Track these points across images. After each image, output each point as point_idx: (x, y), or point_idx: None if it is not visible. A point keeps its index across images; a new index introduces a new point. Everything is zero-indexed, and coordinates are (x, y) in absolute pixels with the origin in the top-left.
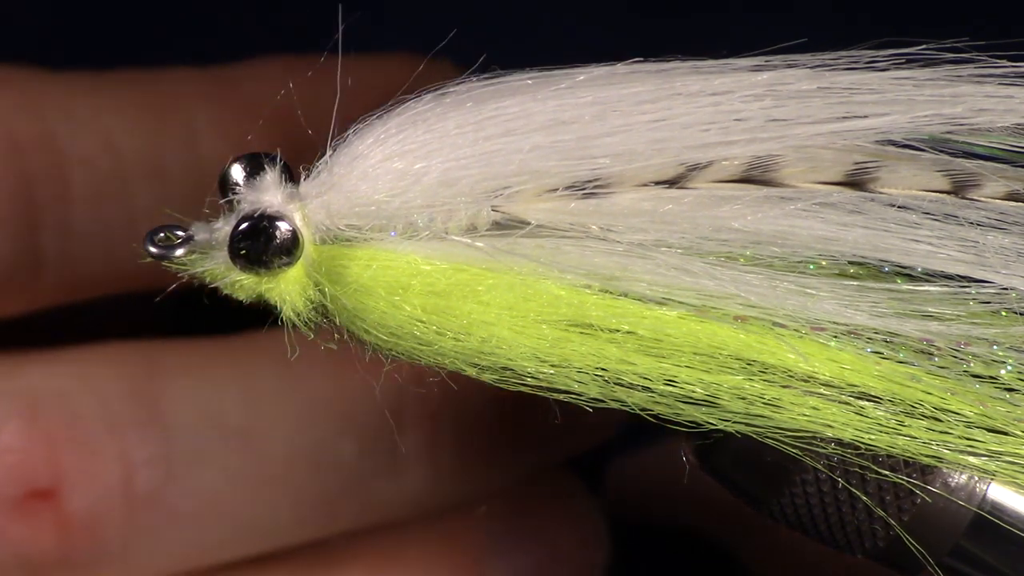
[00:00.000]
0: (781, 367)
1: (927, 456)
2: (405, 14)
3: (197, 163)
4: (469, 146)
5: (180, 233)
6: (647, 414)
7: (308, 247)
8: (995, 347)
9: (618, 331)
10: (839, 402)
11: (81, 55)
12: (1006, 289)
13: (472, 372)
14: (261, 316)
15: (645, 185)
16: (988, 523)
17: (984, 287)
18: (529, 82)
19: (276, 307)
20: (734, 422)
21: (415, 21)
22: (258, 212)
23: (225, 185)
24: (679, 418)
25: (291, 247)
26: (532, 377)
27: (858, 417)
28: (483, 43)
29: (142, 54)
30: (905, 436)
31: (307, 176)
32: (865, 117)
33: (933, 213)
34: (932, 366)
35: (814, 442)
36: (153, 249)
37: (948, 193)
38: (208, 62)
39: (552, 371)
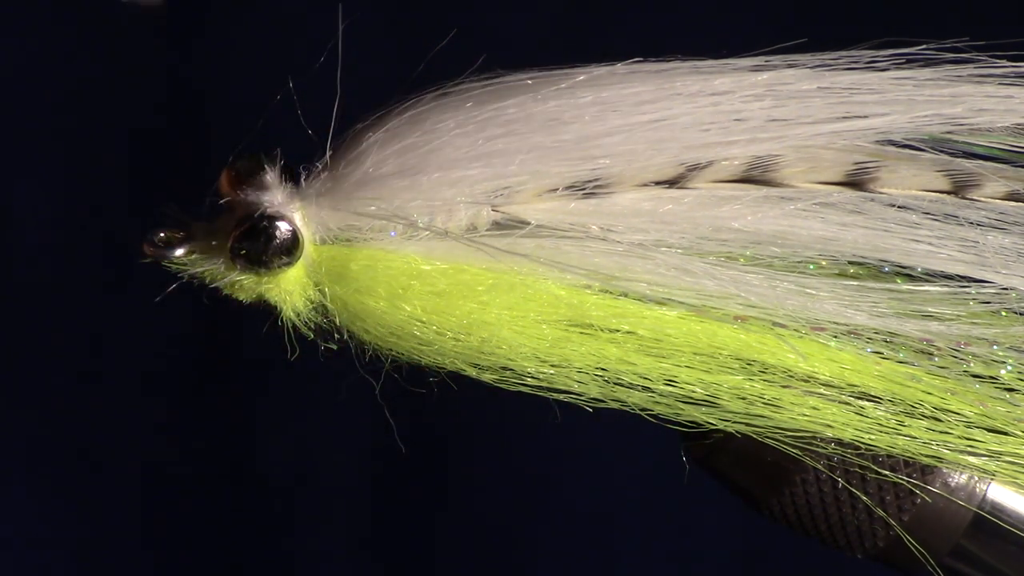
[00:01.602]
0: (781, 367)
1: (927, 456)
2: (405, 14)
3: None
4: (469, 146)
5: (180, 233)
6: (647, 414)
7: (308, 247)
8: (995, 347)
9: (618, 331)
10: (839, 402)
11: None
12: (1006, 289)
13: (472, 372)
14: None
15: (645, 185)
16: (988, 523)
17: (984, 287)
18: (529, 82)
19: (277, 307)
20: (734, 422)
21: (415, 21)
22: (258, 212)
23: None
24: (679, 418)
25: (291, 247)
26: (532, 377)
27: (858, 417)
28: (483, 43)
29: None
30: (905, 436)
31: (307, 176)
32: (865, 117)
33: (933, 213)
34: (932, 366)
35: (814, 442)
36: (153, 249)
37: (948, 193)
38: None
39: (552, 371)
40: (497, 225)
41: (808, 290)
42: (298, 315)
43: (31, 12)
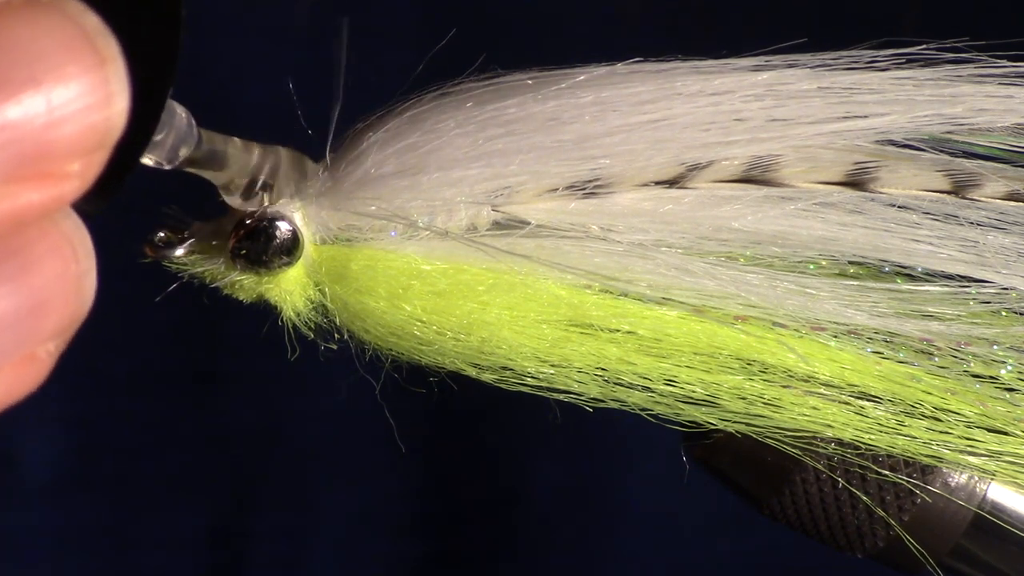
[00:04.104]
0: (781, 367)
1: (927, 456)
2: (405, 14)
3: None
4: (469, 146)
5: (181, 233)
6: (647, 414)
7: (308, 247)
8: (995, 347)
9: (618, 331)
10: (839, 402)
11: None
12: (1006, 289)
13: (472, 372)
14: None
15: (645, 185)
16: (988, 523)
17: (984, 287)
18: (529, 82)
19: (277, 306)
20: (734, 422)
21: (415, 21)
22: (258, 212)
23: None
24: (679, 418)
25: (291, 247)
26: (532, 377)
27: (858, 417)
28: (483, 43)
29: None
30: (905, 436)
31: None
32: (865, 117)
33: (933, 213)
34: (932, 366)
35: (814, 442)
36: (153, 249)
37: (948, 193)
38: None
39: (552, 371)
40: (497, 225)
41: (808, 290)
42: (298, 315)
43: None
